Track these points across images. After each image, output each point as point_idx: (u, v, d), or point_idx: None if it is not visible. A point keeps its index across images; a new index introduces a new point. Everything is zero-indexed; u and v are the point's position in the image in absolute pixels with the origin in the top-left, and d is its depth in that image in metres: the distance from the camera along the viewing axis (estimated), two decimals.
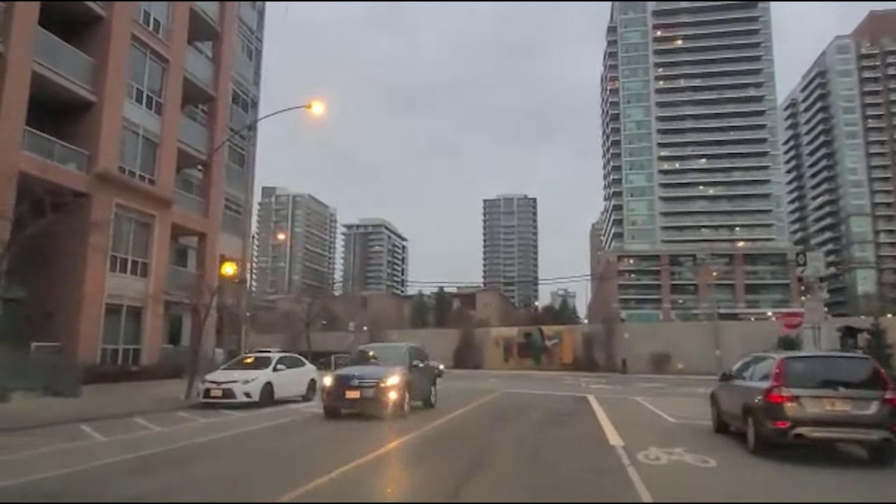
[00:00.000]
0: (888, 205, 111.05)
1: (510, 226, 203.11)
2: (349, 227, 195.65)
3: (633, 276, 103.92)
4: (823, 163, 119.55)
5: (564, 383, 30.61)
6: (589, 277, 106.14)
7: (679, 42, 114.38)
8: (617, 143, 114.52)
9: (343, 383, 14.20)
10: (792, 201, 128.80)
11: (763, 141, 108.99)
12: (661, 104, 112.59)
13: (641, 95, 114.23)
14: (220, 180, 31.71)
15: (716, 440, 11.26)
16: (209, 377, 17.29)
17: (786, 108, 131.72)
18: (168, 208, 26.59)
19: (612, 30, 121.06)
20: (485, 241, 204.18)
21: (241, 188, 34.56)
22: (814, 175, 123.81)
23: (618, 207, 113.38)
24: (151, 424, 13.19)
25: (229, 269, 21.29)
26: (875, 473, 8.73)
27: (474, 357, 51.68)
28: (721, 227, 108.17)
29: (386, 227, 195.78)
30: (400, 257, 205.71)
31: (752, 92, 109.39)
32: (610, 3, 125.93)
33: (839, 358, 10.70)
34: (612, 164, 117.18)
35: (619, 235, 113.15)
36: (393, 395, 13.78)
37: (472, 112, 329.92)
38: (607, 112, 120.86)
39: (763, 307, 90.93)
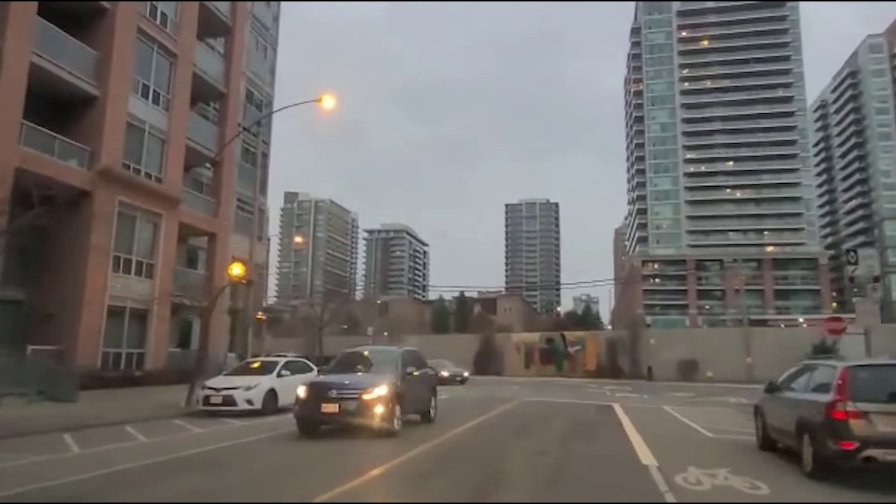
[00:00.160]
0: None
1: (532, 230, 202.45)
2: (371, 231, 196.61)
3: (657, 280, 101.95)
4: (855, 165, 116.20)
5: (588, 391, 29.16)
6: (613, 282, 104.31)
7: (705, 42, 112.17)
8: (641, 146, 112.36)
9: (319, 394, 11.82)
10: (823, 205, 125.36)
11: (793, 143, 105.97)
12: (686, 106, 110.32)
13: (666, 97, 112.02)
14: (232, 180, 30.90)
15: (763, 459, 9.83)
16: (209, 383, 16.34)
17: (816, 110, 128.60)
18: (176, 207, 25.75)
19: (636, 31, 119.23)
20: (507, 245, 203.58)
21: (255, 189, 33.61)
22: (845, 178, 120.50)
23: (642, 211, 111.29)
24: (140, 434, 12.29)
25: (237, 269, 20.30)
26: None
27: (495, 363, 50.27)
28: (749, 230, 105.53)
29: (407, 233, 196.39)
30: (421, 262, 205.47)
31: (780, 93, 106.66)
32: (634, 3, 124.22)
33: None
34: (636, 167, 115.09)
35: (643, 240, 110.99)
36: (379, 410, 11.43)
37: (495, 116, 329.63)
38: (631, 114, 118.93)
39: (793, 313, 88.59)
